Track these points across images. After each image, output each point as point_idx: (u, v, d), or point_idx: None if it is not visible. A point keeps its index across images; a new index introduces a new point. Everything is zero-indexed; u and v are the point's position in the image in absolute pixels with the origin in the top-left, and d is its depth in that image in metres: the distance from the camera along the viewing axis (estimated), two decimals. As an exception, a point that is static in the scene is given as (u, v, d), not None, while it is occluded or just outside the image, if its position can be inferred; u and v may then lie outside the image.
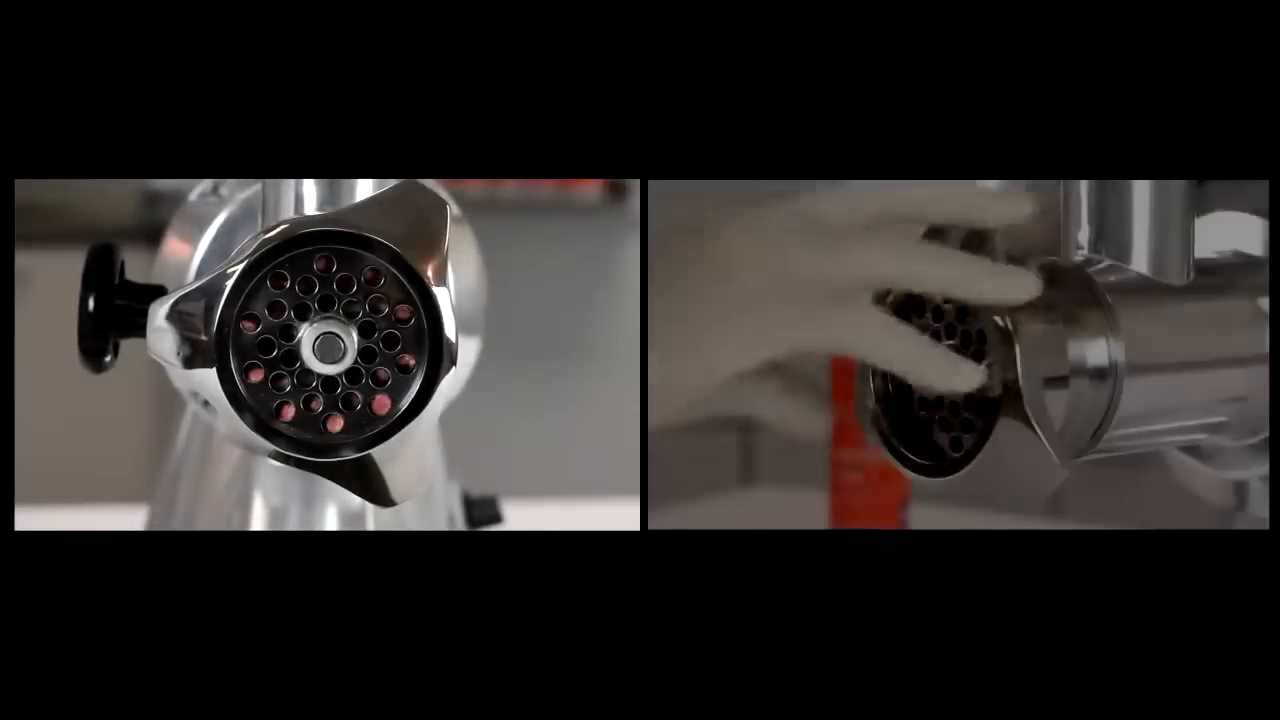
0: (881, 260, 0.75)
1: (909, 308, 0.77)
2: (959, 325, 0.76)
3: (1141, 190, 0.78)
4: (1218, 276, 0.81)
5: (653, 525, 1.10)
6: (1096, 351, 0.76)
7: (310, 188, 0.78)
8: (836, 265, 0.75)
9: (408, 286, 0.75)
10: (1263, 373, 0.79)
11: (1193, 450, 0.84)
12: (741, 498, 1.62)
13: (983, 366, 0.74)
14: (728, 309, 0.76)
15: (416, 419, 0.76)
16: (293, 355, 0.75)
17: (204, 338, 0.75)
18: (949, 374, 0.75)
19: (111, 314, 0.79)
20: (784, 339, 0.76)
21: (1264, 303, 0.80)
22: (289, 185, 0.78)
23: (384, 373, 0.75)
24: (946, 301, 0.76)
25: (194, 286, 0.75)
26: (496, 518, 1.12)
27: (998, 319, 0.74)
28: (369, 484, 0.77)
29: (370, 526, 0.97)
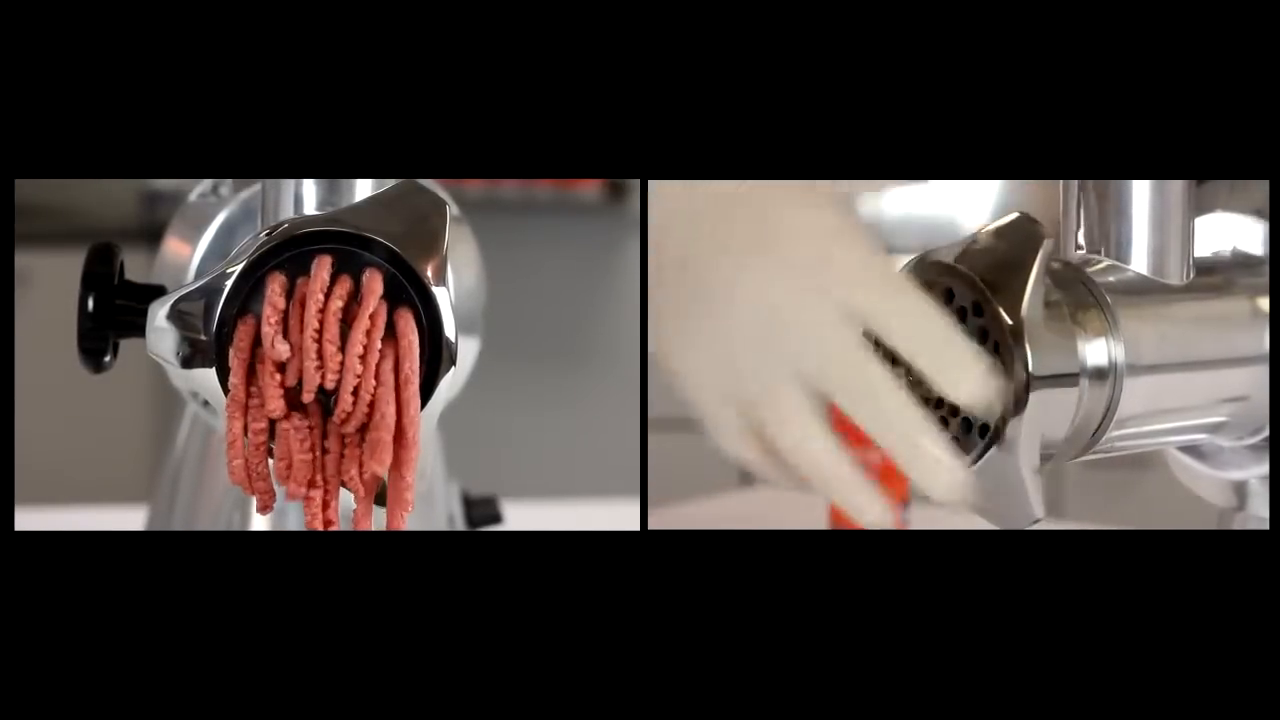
0: (867, 302, 0.73)
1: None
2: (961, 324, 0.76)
3: (1141, 190, 0.78)
4: (1217, 276, 0.81)
5: (653, 525, 1.10)
6: (1096, 351, 0.76)
7: (310, 188, 0.78)
8: (828, 300, 0.73)
9: (407, 286, 0.75)
10: (1262, 373, 0.79)
11: (1193, 450, 0.84)
12: (741, 498, 1.62)
13: (883, 503, 0.73)
14: (716, 347, 0.74)
15: (416, 419, 0.76)
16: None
17: (204, 338, 0.75)
18: (933, 476, 0.72)
19: (111, 314, 0.79)
20: (766, 374, 0.73)
21: (1263, 303, 0.80)
22: (289, 185, 0.78)
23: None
24: (949, 293, 0.76)
25: (194, 286, 0.76)
26: (496, 518, 1.12)
27: (1008, 318, 0.74)
28: (369, 484, 0.77)
29: (370, 526, 0.97)
